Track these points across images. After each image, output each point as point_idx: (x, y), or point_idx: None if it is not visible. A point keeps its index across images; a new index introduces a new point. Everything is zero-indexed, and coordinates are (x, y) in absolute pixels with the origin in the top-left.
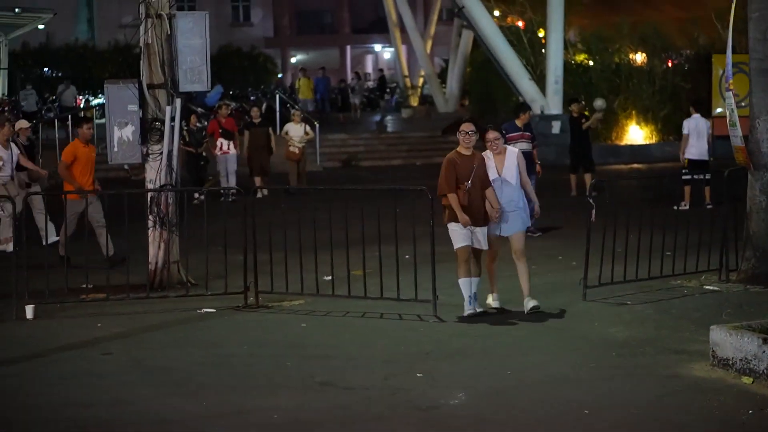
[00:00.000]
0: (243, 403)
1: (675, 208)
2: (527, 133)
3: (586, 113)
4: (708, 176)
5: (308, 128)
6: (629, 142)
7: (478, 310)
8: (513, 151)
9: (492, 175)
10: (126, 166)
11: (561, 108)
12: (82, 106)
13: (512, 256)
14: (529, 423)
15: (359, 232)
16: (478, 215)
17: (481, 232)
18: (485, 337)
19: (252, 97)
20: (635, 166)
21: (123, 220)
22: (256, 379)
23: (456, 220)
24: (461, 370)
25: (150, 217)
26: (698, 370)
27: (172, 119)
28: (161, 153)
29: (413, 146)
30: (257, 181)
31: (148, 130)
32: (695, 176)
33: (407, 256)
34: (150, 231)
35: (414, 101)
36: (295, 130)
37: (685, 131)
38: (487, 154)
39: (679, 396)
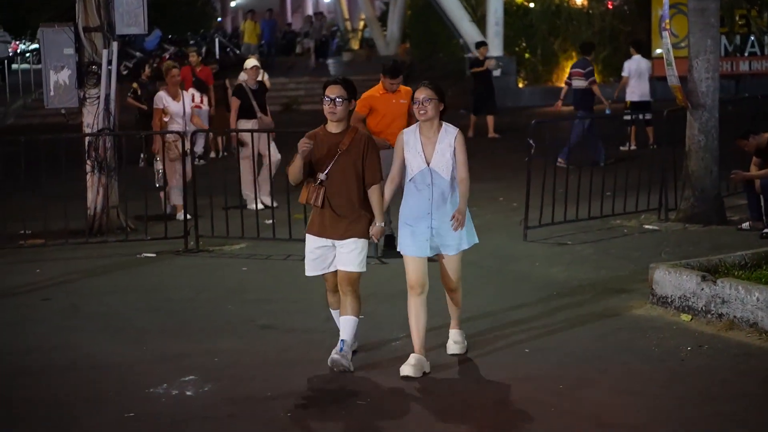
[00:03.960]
0: (184, 347)
1: (621, 149)
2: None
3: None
4: (648, 116)
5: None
6: None
7: (350, 356)
8: (451, 131)
9: (417, 164)
10: (63, 111)
11: (502, 50)
12: (18, 51)
13: (441, 283)
14: (469, 362)
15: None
16: (338, 223)
17: (347, 247)
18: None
19: (191, 42)
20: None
21: (60, 165)
22: (196, 324)
23: (310, 230)
24: (402, 311)
25: (88, 161)
26: (638, 309)
27: (109, 63)
28: (98, 97)
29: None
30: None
31: (85, 74)
32: (634, 116)
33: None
34: (88, 176)
35: (355, 44)
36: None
37: (624, 73)
38: (408, 134)
39: (620, 334)
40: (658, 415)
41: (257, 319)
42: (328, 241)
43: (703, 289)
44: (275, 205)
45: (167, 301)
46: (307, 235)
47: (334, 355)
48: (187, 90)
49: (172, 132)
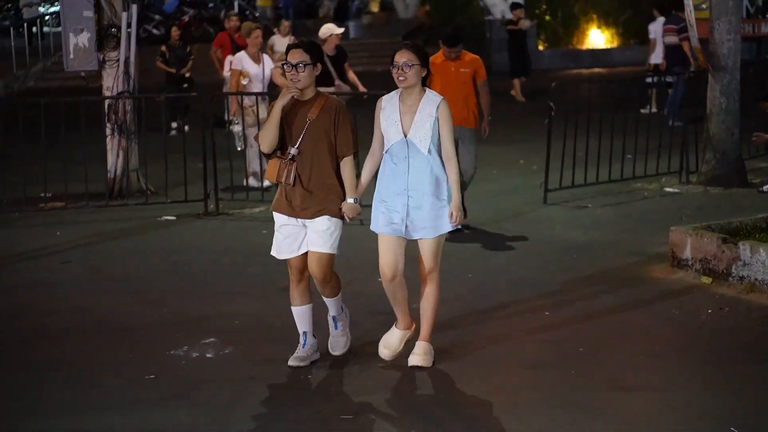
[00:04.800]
0: (204, 310)
1: (642, 111)
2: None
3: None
4: (670, 79)
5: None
6: (590, 47)
7: (312, 357)
8: (434, 99)
9: (393, 134)
10: (83, 74)
11: (522, 13)
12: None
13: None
14: (490, 325)
15: None
16: (309, 201)
17: (318, 226)
18: (446, 243)
19: (210, 5)
20: (596, 70)
21: (80, 129)
22: (216, 286)
23: (278, 208)
24: None
25: (108, 124)
26: (658, 272)
27: (129, 25)
28: (118, 60)
29: (374, 52)
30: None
31: (104, 36)
32: (655, 79)
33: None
34: (108, 139)
35: (374, 7)
36: (282, 44)
37: (651, 35)
38: (387, 101)
39: (640, 297)
40: (678, 377)
41: (277, 282)
42: (298, 221)
43: (723, 251)
44: None
45: (187, 264)
46: (273, 213)
47: (334, 351)
48: (224, 57)
49: (190, 95)
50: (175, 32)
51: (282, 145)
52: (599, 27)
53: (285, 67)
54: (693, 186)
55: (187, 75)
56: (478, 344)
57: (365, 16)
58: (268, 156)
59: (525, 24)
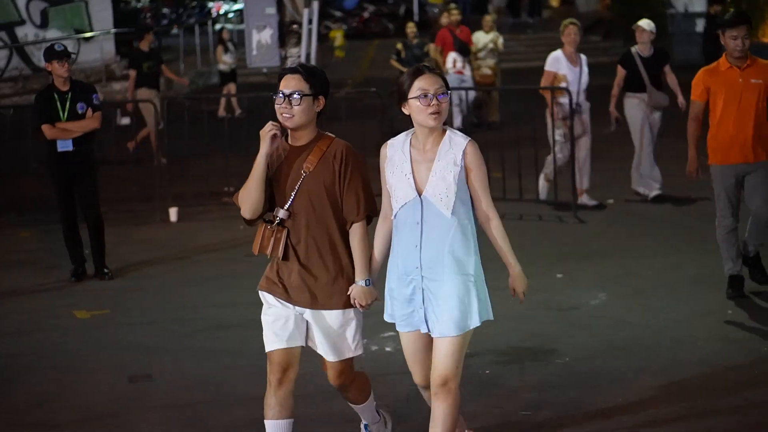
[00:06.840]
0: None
1: None
2: None
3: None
4: None
5: (501, 39)
6: None
7: None
8: (459, 142)
9: (403, 192)
10: (264, 70)
11: (705, 5)
12: (222, 11)
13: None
14: (669, 323)
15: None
16: (308, 283)
17: (331, 324)
18: (625, 239)
19: (390, 0)
20: None
21: (261, 124)
22: None
23: (267, 288)
24: (600, 270)
25: None
26: None
27: (310, 22)
28: (299, 56)
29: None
30: None
31: (286, 33)
32: None
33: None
34: None
35: (554, 2)
36: (485, 42)
37: None
38: (395, 147)
39: None
40: None
41: None
42: (293, 308)
43: None
44: (651, 194)
45: None
46: (260, 292)
47: None
48: (446, 55)
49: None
50: (411, 28)
51: (272, 206)
52: None
53: (276, 98)
54: None
55: None
56: (658, 336)
57: (544, 11)
58: (250, 223)
59: None
